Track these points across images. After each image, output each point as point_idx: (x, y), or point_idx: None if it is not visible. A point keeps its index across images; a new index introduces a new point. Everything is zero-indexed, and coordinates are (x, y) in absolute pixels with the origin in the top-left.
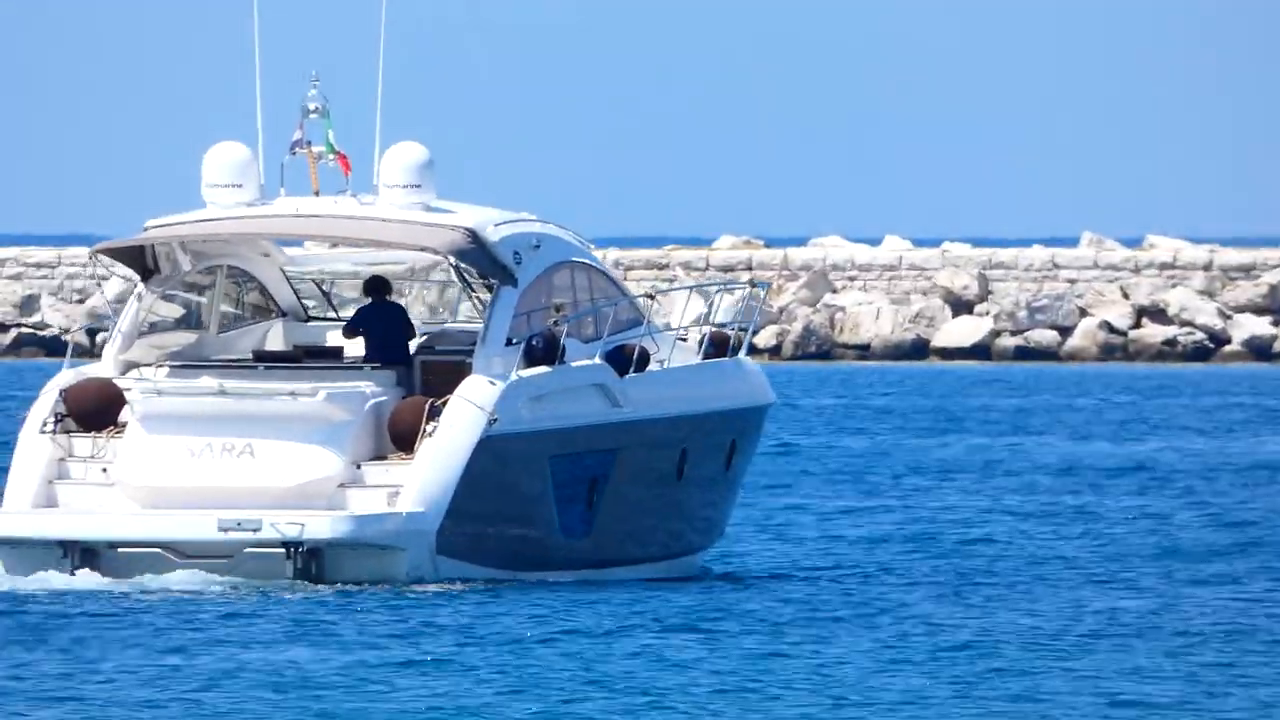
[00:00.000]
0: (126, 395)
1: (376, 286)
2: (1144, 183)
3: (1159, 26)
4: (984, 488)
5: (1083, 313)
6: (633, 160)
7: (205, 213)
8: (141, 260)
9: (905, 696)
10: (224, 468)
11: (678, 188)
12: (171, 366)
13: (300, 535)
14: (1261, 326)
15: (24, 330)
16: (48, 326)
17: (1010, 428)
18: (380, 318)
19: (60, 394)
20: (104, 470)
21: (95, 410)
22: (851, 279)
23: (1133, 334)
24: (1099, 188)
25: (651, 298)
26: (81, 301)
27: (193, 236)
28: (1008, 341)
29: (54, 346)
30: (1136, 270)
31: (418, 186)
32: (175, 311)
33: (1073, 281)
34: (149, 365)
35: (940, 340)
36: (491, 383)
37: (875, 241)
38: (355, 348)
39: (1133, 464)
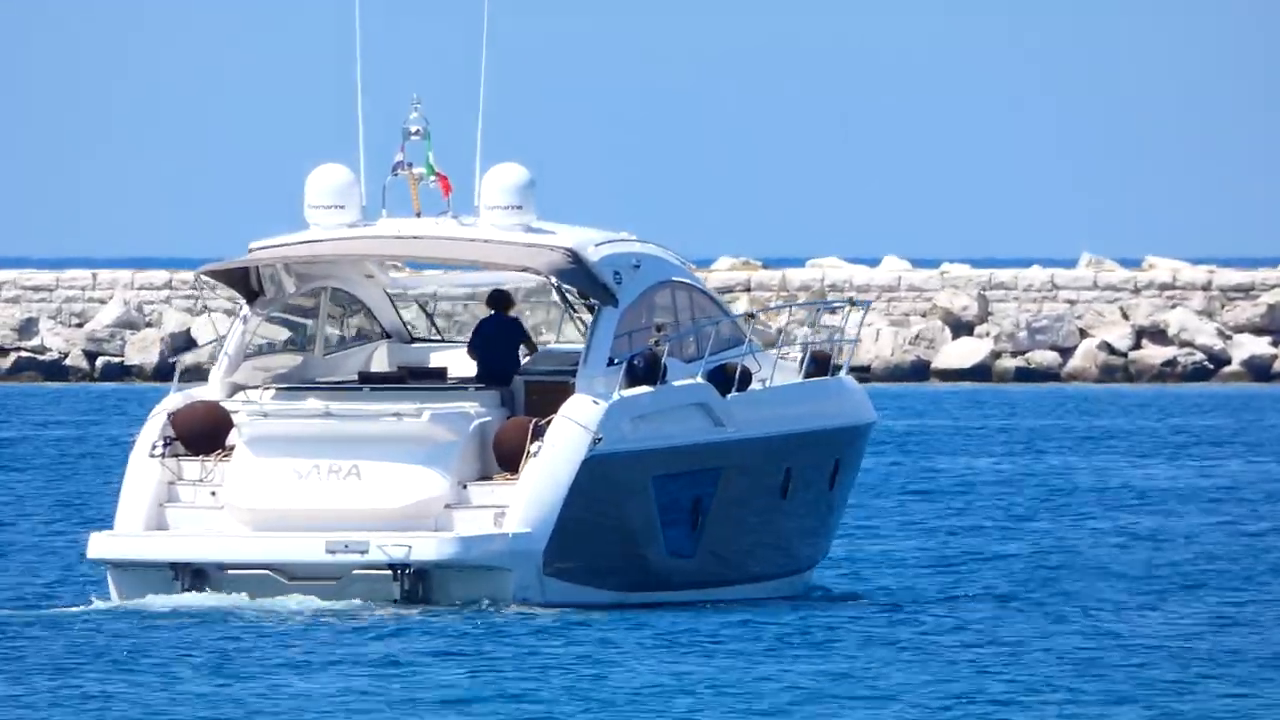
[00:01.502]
0: (233, 418)
1: (497, 300)
2: (1143, 203)
3: (1156, 48)
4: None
5: (1083, 333)
6: (629, 180)
7: (308, 234)
8: (246, 283)
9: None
10: (331, 489)
11: (675, 208)
12: (277, 389)
13: (407, 557)
14: (1261, 346)
15: (23, 354)
16: (47, 350)
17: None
18: (500, 331)
19: (168, 417)
20: (212, 493)
21: (203, 433)
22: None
23: (1133, 355)
24: (1098, 208)
25: (753, 316)
26: (80, 325)
27: (297, 258)
28: (1008, 363)
29: (51, 370)
30: (1136, 291)
31: (518, 208)
32: (280, 334)
33: (1072, 302)
34: (255, 388)
35: (940, 362)
36: (595, 402)
37: (874, 262)
38: (460, 369)
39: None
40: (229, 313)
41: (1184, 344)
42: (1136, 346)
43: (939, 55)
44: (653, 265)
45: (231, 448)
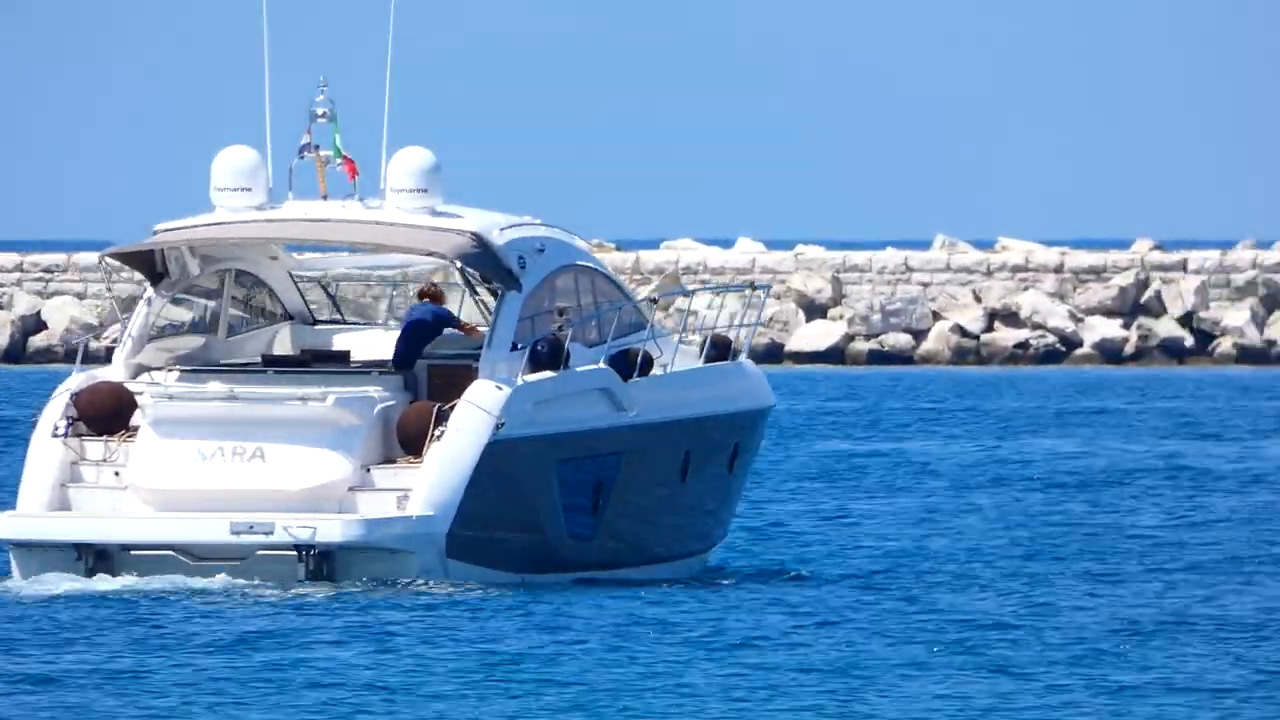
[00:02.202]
0: (138, 399)
1: (432, 294)
2: (995, 185)
3: (1007, 29)
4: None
5: (936, 316)
6: (532, 164)
7: (214, 216)
8: (151, 264)
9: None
10: (235, 471)
11: (525, 191)
12: (181, 370)
13: (312, 538)
14: (1112, 329)
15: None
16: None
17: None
18: (437, 323)
19: (71, 398)
20: (116, 474)
21: (107, 414)
22: (704, 282)
23: (985, 337)
24: (951, 190)
25: (654, 301)
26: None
27: (202, 241)
28: (861, 345)
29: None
30: (989, 273)
31: (424, 191)
32: (184, 315)
33: (926, 284)
34: (159, 369)
35: (794, 344)
36: (498, 387)
37: (728, 244)
38: (362, 352)
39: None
40: (79, 295)
41: (1036, 326)
42: (989, 329)
43: (798, 37)
44: (557, 249)
45: (135, 428)
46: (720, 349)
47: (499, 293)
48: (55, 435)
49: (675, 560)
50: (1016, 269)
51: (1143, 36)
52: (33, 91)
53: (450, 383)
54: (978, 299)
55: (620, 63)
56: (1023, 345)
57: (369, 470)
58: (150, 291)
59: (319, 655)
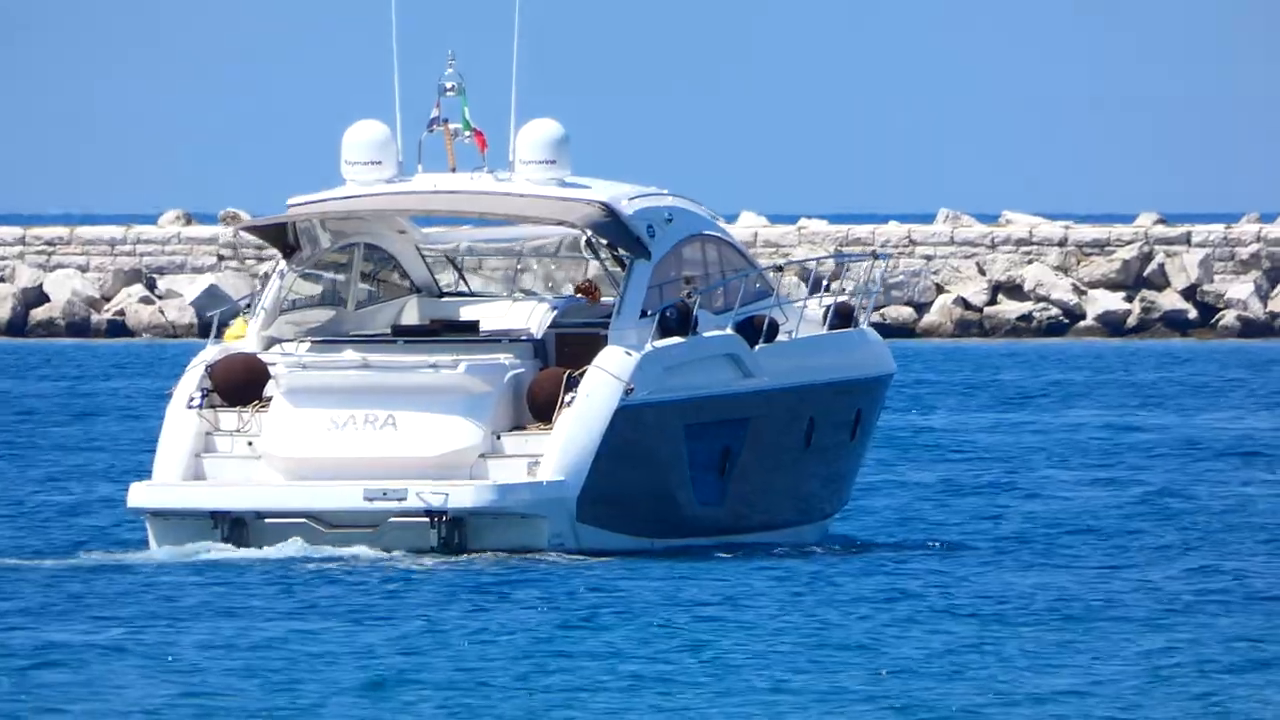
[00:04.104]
0: (270, 370)
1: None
2: (1000, 159)
3: (1014, 2)
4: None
5: (939, 289)
6: (661, 135)
7: (345, 190)
8: (283, 238)
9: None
10: (367, 439)
11: (650, 161)
12: (313, 341)
13: (444, 504)
14: (1115, 302)
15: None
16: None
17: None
18: None
19: (206, 369)
20: (249, 443)
21: (240, 385)
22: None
23: (988, 310)
24: (956, 164)
25: (780, 269)
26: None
27: (334, 214)
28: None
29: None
30: (993, 246)
31: (553, 162)
32: (315, 289)
33: (929, 258)
34: (290, 341)
35: None
36: (627, 353)
37: (731, 218)
38: (490, 322)
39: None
40: (81, 269)
41: (1040, 299)
42: (992, 302)
43: (803, 6)
44: (684, 219)
45: (268, 399)
46: (843, 317)
47: (628, 262)
48: (190, 406)
49: (800, 526)
50: (1020, 242)
51: (1146, 9)
52: (163, 65)
53: (580, 350)
54: (981, 272)
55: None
56: (1026, 318)
57: (500, 437)
58: (282, 265)
59: (451, 621)
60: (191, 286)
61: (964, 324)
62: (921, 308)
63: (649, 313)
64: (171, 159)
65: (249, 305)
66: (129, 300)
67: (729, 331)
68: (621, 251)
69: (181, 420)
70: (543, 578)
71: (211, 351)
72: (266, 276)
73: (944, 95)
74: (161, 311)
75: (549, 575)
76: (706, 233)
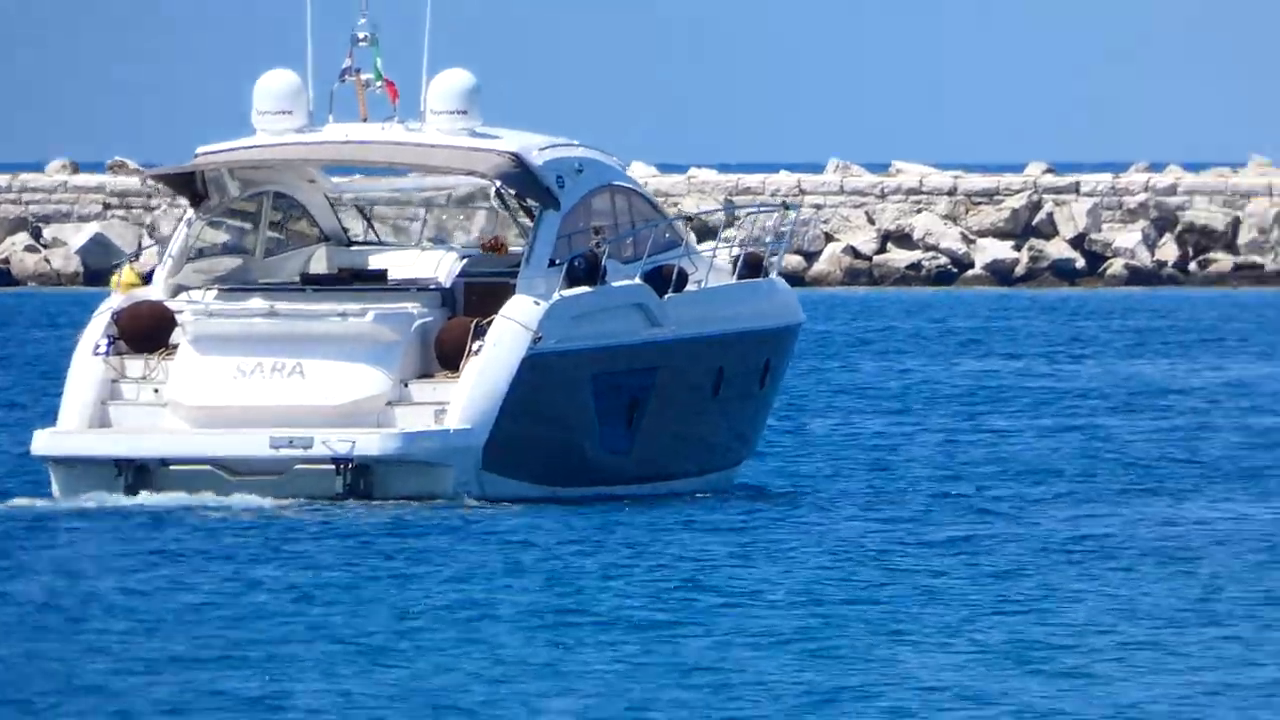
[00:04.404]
0: (177, 317)
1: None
2: (889, 109)
3: None
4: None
5: (828, 238)
6: (571, 86)
7: (255, 139)
8: (191, 187)
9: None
10: (274, 387)
11: (562, 112)
12: (220, 289)
13: (350, 452)
14: (1003, 251)
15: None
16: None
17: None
18: None
19: (112, 316)
20: (156, 391)
21: (147, 332)
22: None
23: (877, 259)
24: (846, 114)
25: (690, 219)
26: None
27: (243, 163)
28: None
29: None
30: (882, 196)
31: (464, 113)
32: (222, 237)
33: (819, 207)
34: (197, 289)
35: None
36: (535, 303)
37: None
38: (399, 271)
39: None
40: None
41: (929, 248)
42: (881, 250)
43: None
44: (594, 169)
45: (174, 346)
46: (752, 267)
47: (537, 212)
48: (96, 353)
49: (706, 475)
50: (910, 192)
51: None
52: (74, 15)
53: (488, 300)
54: (871, 221)
55: None
56: (915, 266)
57: (407, 385)
58: (190, 213)
59: (352, 571)
60: (78, 235)
61: (853, 272)
62: (811, 256)
63: (557, 262)
64: (59, 108)
65: (137, 255)
66: (14, 249)
67: (637, 281)
68: (531, 202)
69: (87, 367)
70: (443, 526)
71: (117, 299)
72: (154, 226)
73: (834, 45)
74: (47, 260)
75: (450, 524)
76: (616, 183)
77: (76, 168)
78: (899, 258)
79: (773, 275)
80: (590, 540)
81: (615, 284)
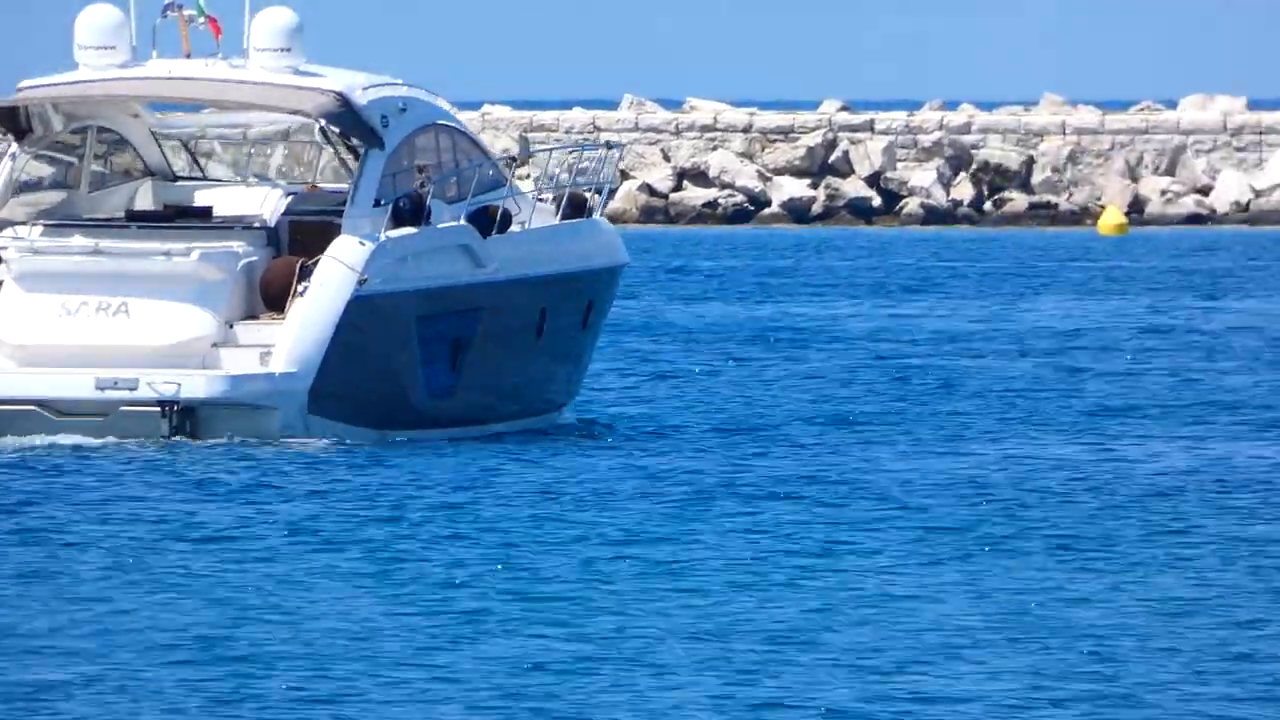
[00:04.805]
0: (1, 254)
1: None
2: (682, 46)
3: None
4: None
5: (624, 175)
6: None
7: (78, 74)
8: (14, 121)
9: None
10: (99, 326)
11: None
12: (45, 225)
13: (176, 394)
14: (800, 189)
15: None
16: None
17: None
18: None
19: None
20: None
21: None
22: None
23: (674, 196)
24: (638, 50)
25: (513, 160)
26: None
27: (66, 98)
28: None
29: None
30: (677, 133)
31: (287, 50)
32: (46, 171)
33: (610, 145)
34: (21, 224)
35: None
36: (361, 243)
37: None
38: (222, 207)
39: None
40: None
41: (725, 186)
42: (678, 189)
43: None
44: (419, 109)
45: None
46: (576, 207)
47: (361, 151)
48: None
49: (530, 417)
50: (705, 129)
51: None
52: None
53: (313, 239)
54: (666, 158)
55: None
56: (711, 205)
57: (232, 326)
58: (15, 147)
59: (177, 512)
60: None
61: (649, 210)
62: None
63: (383, 202)
64: None
65: None
66: None
67: (462, 222)
68: (355, 141)
69: None
70: (265, 468)
71: None
72: None
73: None
74: None
75: (272, 465)
76: (441, 122)
77: None
78: (695, 195)
79: (596, 215)
80: (403, 486)
81: (440, 225)
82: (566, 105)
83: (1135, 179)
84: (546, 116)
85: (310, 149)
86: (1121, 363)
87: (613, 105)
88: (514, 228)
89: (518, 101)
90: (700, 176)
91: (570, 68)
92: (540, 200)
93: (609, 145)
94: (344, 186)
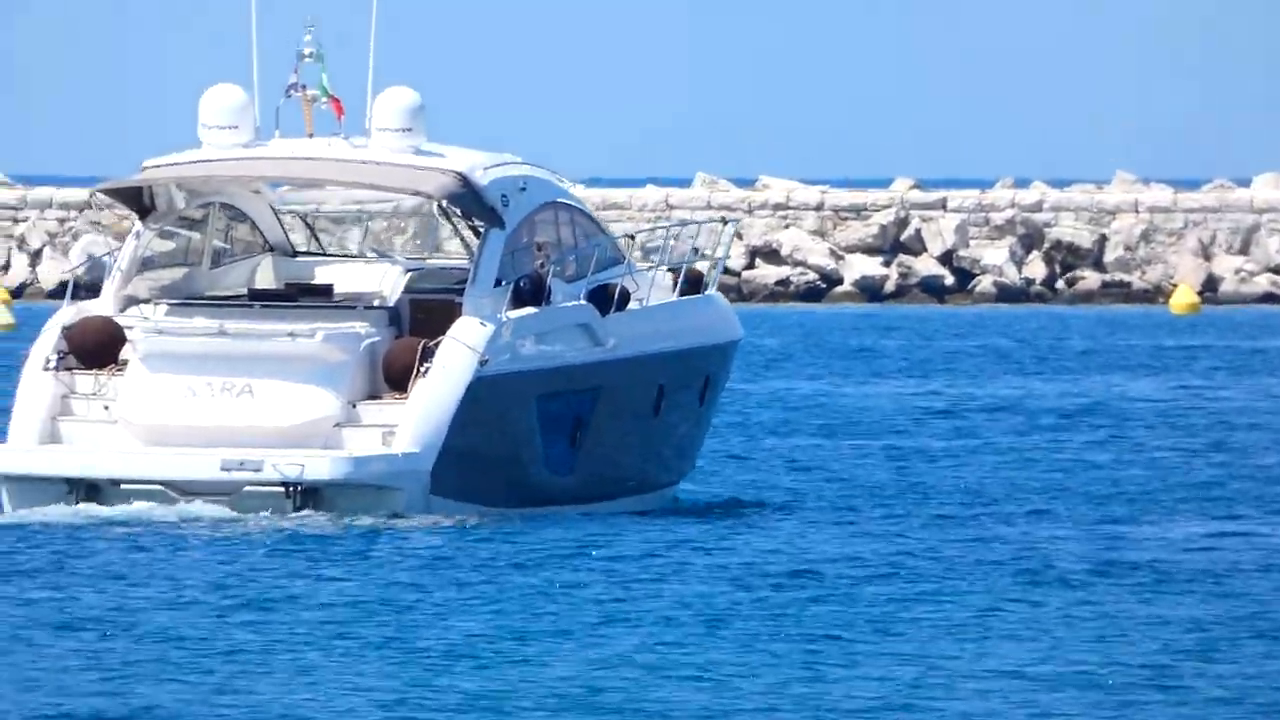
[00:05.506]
0: (127, 333)
1: None
2: (756, 125)
3: None
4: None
5: (696, 253)
6: (514, 102)
7: (201, 153)
8: (139, 200)
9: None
10: (224, 406)
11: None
12: (170, 304)
13: (300, 475)
14: (872, 267)
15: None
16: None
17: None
18: None
19: (62, 331)
20: (106, 407)
21: (97, 347)
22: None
23: (746, 274)
24: (714, 128)
25: (632, 238)
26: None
27: (191, 178)
28: None
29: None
30: (750, 211)
31: (409, 130)
32: (168, 247)
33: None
34: (146, 301)
35: None
36: (482, 324)
37: None
38: (344, 284)
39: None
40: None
41: (797, 264)
42: (750, 266)
43: None
44: (538, 187)
45: (125, 362)
46: (692, 283)
47: (482, 230)
48: (46, 369)
49: (647, 493)
50: (778, 207)
51: None
52: (26, 28)
53: (433, 318)
54: (739, 236)
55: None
56: (784, 282)
57: (355, 406)
58: (138, 225)
59: (303, 587)
60: None
61: (722, 288)
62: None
63: (503, 282)
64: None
65: (5, 268)
66: None
67: (581, 301)
68: (476, 220)
69: (38, 383)
70: (394, 542)
71: (68, 313)
72: (23, 239)
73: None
74: None
75: (400, 540)
76: (559, 201)
77: None
78: (768, 273)
79: (711, 291)
80: (529, 558)
81: (560, 304)
82: (639, 183)
83: (1208, 257)
84: (619, 195)
85: (427, 224)
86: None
87: (685, 183)
88: (632, 305)
89: (592, 180)
90: (773, 254)
91: (642, 145)
92: (657, 276)
93: (725, 220)
94: (460, 261)
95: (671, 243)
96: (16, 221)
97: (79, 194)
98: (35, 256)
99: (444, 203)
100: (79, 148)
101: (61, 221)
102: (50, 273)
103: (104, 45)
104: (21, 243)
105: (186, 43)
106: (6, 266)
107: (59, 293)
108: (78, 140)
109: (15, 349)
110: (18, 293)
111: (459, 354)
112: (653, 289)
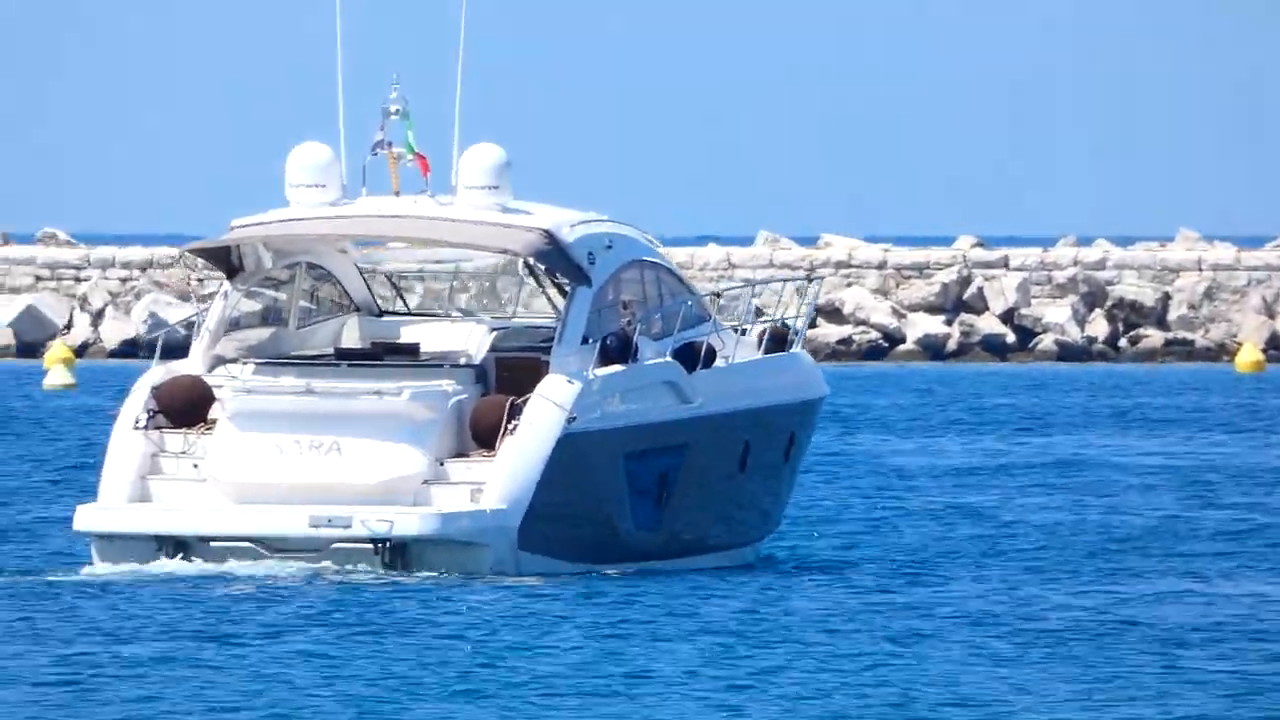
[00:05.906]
0: (216, 393)
1: None
2: (817, 181)
3: (812, 27)
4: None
5: (759, 312)
6: (600, 159)
7: (288, 212)
8: (227, 259)
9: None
10: (312, 464)
11: (593, 186)
12: (257, 363)
13: (389, 532)
14: (935, 325)
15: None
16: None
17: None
18: None
19: (152, 390)
20: (195, 466)
21: (185, 406)
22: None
23: (808, 333)
24: (772, 186)
25: (718, 295)
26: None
27: (278, 237)
28: None
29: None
30: (812, 269)
31: (495, 188)
32: (256, 307)
33: (748, 282)
34: (234, 361)
35: None
36: (570, 382)
37: None
38: (430, 343)
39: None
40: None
41: (859, 322)
42: (812, 325)
43: (607, 30)
44: (624, 245)
45: (213, 421)
46: (777, 340)
47: (569, 288)
48: (136, 427)
49: (734, 549)
50: (839, 265)
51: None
52: (114, 88)
53: (520, 376)
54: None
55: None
56: (846, 341)
57: (443, 464)
58: (226, 285)
59: (390, 644)
60: (9, 307)
61: None
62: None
63: (590, 340)
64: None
65: (68, 328)
66: None
67: (668, 358)
68: (562, 278)
69: (127, 441)
70: (486, 599)
71: (157, 372)
72: (85, 298)
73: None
74: None
75: (492, 597)
76: (645, 259)
77: (7, 239)
78: (830, 333)
79: (796, 348)
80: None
81: (646, 362)
82: (700, 241)
83: (1272, 315)
84: (681, 254)
85: (513, 282)
86: None
87: (748, 241)
88: (718, 362)
89: (659, 238)
90: (835, 313)
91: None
92: (743, 334)
93: (809, 278)
94: (545, 320)
95: (754, 300)
96: (79, 280)
97: (141, 253)
98: (98, 316)
99: (530, 260)
100: (165, 206)
101: (124, 281)
102: (112, 332)
103: (194, 103)
104: (84, 302)
105: (274, 102)
106: (69, 326)
107: (120, 352)
108: (164, 198)
109: (81, 404)
110: (80, 351)
111: (547, 411)
112: (738, 346)
